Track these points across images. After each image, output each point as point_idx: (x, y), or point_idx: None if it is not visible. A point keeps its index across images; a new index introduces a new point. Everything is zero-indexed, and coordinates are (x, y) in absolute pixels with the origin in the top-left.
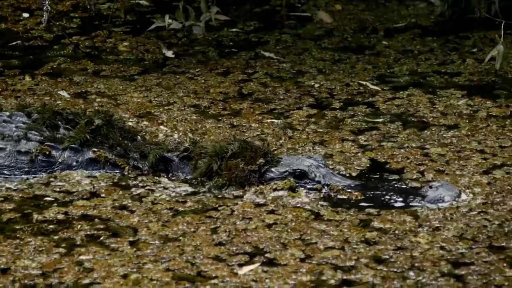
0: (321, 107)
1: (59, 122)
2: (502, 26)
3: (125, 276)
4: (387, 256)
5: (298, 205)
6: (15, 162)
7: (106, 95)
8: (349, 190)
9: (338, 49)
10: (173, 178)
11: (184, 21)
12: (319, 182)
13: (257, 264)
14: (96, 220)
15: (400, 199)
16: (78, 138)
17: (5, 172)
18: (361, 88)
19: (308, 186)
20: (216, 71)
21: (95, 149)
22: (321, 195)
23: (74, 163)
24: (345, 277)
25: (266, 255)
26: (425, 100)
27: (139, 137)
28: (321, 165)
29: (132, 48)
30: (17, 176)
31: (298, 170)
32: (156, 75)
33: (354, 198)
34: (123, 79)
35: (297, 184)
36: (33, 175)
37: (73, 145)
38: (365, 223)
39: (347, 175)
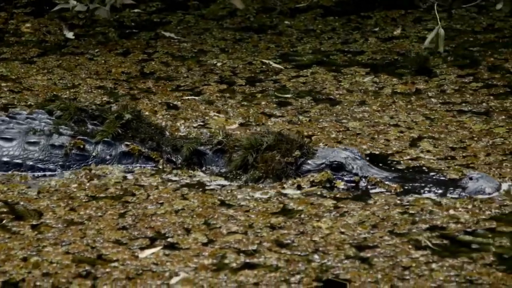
0: (229, 84)
1: (85, 118)
2: (435, 8)
3: (24, 259)
4: (289, 241)
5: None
6: (49, 156)
7: (9, 78)
8: (387, 183)
9: (240, 29)
10: (207, 172)
11: (89, 3)
12: (356, 174)
13: (158, 248)
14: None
15: (440, 191)
16: (110, 132)
17: (39, 165)
18: (264, 66)
19: (346, 179)
20: (116, 51)
21: (128, 143)
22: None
23: (108, 157)
24: (248, 260)
25: (169, 239)
26: (330, 78)
27: (167, 132)
28: (357, 157)
29: (35, 29)
30: (51, 170)
31: (336, 162)
32: (55, 56)
33: (393, 190)
34: (23, 61)
35: (334, 176)
36: (67, 169)
37: (106, 139)
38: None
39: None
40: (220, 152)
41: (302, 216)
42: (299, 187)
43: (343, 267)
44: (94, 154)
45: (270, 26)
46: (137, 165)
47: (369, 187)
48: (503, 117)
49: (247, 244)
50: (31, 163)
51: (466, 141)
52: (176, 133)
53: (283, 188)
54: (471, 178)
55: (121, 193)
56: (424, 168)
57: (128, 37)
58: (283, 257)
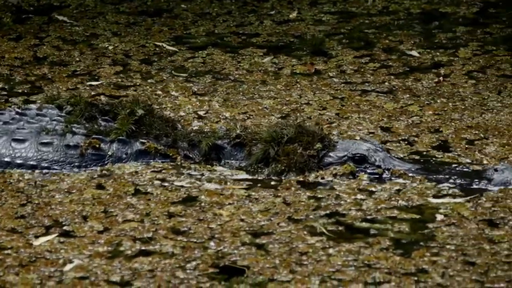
0: (123, 65)
1: (96, 114)
2: None
3: None
4: (186, 228)
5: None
6: (64, 157)
7: None
8: (411, 175)
9: (135, 13)
10: (226, 166)
11: None
12: (379, 166)
13: (53, 235)
14: None
15: (466, 182)
16: (124, 130)
17: (55, 167)
18: (157, 49)
19: (369, 171)
20: (9, 36)
21: (143, 140)
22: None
23: (124, 156)
24: (143, 248)
25: (65, 227)
26: (229, 59)
27: (179, 126)
28: (378, 149)
29: None
30: (68, 171)
31: (358, 155)
32: None
33: (418, 182)
34: None
35: (357, 169)
36: (84, 169)
37: (121, 137)
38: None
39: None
40: (239, 146)
41: (203, 204)
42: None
43: (239, 254)
44: (110, 153)
45: (166, 10)
46: (153, 162)
47: (392, 179)
48: (407, 95)
49: (143, 232)
50: (46, 164)
51: (384, 119)
52: (188, 127)
53: (305, 180)
54: (496, 170)
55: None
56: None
57: (22, 22)
58: (179, 244)
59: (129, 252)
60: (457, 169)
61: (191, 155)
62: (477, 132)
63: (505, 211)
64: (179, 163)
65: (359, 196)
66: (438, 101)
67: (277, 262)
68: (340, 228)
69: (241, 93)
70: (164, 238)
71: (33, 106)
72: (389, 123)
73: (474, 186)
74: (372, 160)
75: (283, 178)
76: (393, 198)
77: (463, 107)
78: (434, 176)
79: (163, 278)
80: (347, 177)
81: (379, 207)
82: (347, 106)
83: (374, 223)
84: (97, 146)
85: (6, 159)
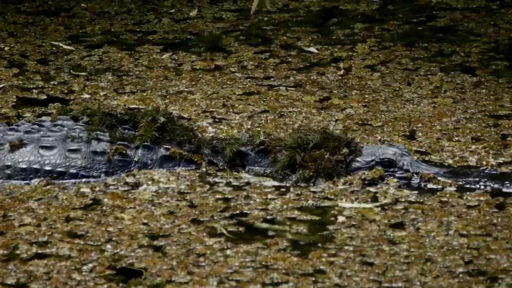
0: (19, 66)
1: (116, 123)
2: None
3: None
4: (83, 232)
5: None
6: (92, 163)
7: None
8: (440, 178)
9: (35, 13)
10: (251, 173)
11: None
12: (407, 170)
13: None
14: None
15: (496, 185)
16: (148, 136)
17: (82, 173)
18: (54, 48)
19: (397, 175)
20: None
21: (167, 146)
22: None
23: (149, 162)
24: (39, 251)
25: None
26: (126, 56)
27: (198, 133)
28: (404, 153)
29: None
30: (94, 177)
31: (386, 159)
32: None
33: (448, 186)
34: None
35: (386, 174)
36: (111, 175)
37: (146, 143)
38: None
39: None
40: (263, 153)
41: (104, 208)
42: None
43: (136, 256)
44: (136, 159)
45: (65, 9)
46: (178, 168)
47: (422, 183)
48: (316, 88)
49: (38, 236)
50: (74, 171)
51: (314, 113)
52: (205, 134)
53: (334, 185)
54: None
55: None
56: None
57: None
58: (76, 247)
59: (24, 255)
60: (486, 171)
61: (215, 161)
62: (404, 123)
63: (416, 212)
64: (204, 169)
65: (270, 196)
66: (353, 93)
67: (174, 264)
68: (241, 229)
69: (149, 90)
70: (60, 241)
71: (46, 118)
72: (325, 116)
73: (505, 190)
74: (400, 164)
75: (311, 184)
76: (303, 199)
77: (383, 98)
78: (464, 179)
79: (60, 280)
80: (376, 181)
81: (284, 207)
82: (269, 101)
83: (274, 224)
84: (124, 152)
85: (35, 166)
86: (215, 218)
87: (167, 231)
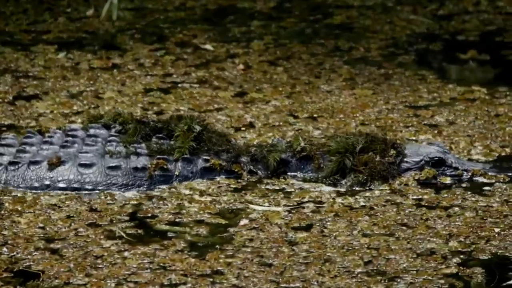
0: None
1: (150, 132)
2: None
3: None
4: None
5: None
6: (133, 180)
7: None
8: (490, 173)
9: None
10: (296, 179)
11: None
12: (457, 168)
13: None
14: None
15: None
16: (187, 148)
17: (123, 191)
18: None
19: (448, 173)
20: None
21: (207, 157)
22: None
23: (190, 174)
24: None
25: None
26: (21, 56)
27: (233, 140)
28: (446, 151)
29: None
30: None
31: (436, 158)
32: None
33: (501, 180)
34: None
35: (438, 172)
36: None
37: (185, 156)
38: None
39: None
40: (305, 159)
41: (2, 212)
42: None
43: (33, 259)
44: (176, 173)
45: None
46: (218, 179)
47: (473, 179)
48: (225, 84)
49: None
50: (115, 188)
51: (240, 109)
52: (239, 141)
53: (389, 187)
54: None
55: None
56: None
57: None
58: None
59: None
60: None
61: (255, 170)
62: (326, 114)
63: (325, 214)
64: (245, 179)
65: (184, 202)
66: (264, 86)
67: (72, 266)
68: (139, 231)
69: (67, 90)
70: None
71: (75, 125)
72: (252, 111)
73: None
74: (449, 162)
75: (366, 188)
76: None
77: (300, 90)
78: (510, 174)
79: None
80: (429, 181)
81: (196, 210)
82: (187, 99)
83: (175, 226)
84: (165, 166)
85: (75, 185)
86: (114, 221)
87: (62, 235)
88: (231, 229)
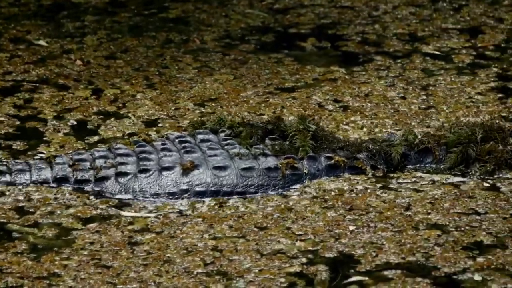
0: None
1: (262, 134)
2: None
3: None
4: None
5: None
6: (268, 181)
7: None
8: None
9: None
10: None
11: None
12: None
13: None
14: None
15: None
16: (308, 146)
17: (260, 192)
18: None
19: None
20: None
21: (330, 155)
22: None
23: (316, 172)
24: None
25: None
26: None
27: (341, 137)
28: None
29: None
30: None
31: None
32: None
33: None
34: None
35: None
36: (286, 191)
37: (311, 154)
38: None
39: None
40: (423, 152)
41: None
42: None
43: None
44: (305, 171)
45: None
46: (343, 175)
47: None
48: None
49: None
50: (252, 190)
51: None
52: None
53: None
54: None
55: None
56: None
57: None
58: None
59: None
60: None
61: (377, 165)
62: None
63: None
64: (369, 174)
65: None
66: (117, 80)
67: None
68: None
69: None
70: None
71: (174, 134)
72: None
73: None
74: None
75: (495, 176)
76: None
77: (164, 81)
78: None
79: None
80: None
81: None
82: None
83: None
84: (295, 165)
85: (213, 189)
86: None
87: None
88: (75, 233)
